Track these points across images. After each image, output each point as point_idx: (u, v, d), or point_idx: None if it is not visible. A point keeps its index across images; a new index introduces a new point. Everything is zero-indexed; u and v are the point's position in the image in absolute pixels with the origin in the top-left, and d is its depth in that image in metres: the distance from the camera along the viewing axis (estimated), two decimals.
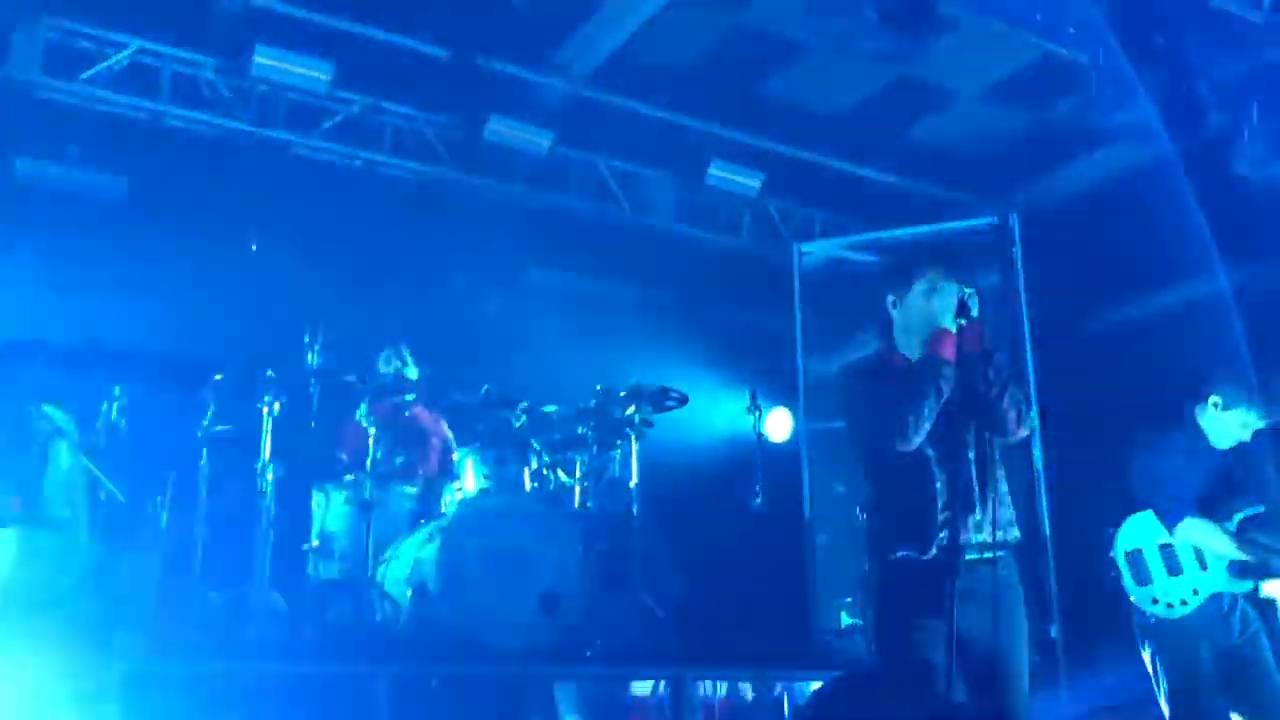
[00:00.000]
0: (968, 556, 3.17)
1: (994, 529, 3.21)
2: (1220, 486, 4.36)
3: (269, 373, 5.38)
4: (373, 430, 5.51)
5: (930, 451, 3.25)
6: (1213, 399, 4.43)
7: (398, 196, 7.18)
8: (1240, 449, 4.45)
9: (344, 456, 5.84)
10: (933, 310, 3.32)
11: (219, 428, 5.33)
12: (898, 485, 3.28)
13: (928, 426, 3.20)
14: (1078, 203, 7.33)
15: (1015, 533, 3.32)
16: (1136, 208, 6.78)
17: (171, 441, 5.41)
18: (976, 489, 3.26)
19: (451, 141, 7.32)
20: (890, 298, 3.46)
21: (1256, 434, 4.43)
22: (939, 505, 3.21)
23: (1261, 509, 4.32)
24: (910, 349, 3.38)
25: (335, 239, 6.72)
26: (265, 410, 5.32)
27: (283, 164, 6.97)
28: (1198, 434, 4.46)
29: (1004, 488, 3.32)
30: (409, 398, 6.10)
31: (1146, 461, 4.41)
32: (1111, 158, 7.08)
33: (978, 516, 3.23)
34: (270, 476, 5.30)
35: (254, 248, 5.94)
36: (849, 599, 7.14)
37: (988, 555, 3.21)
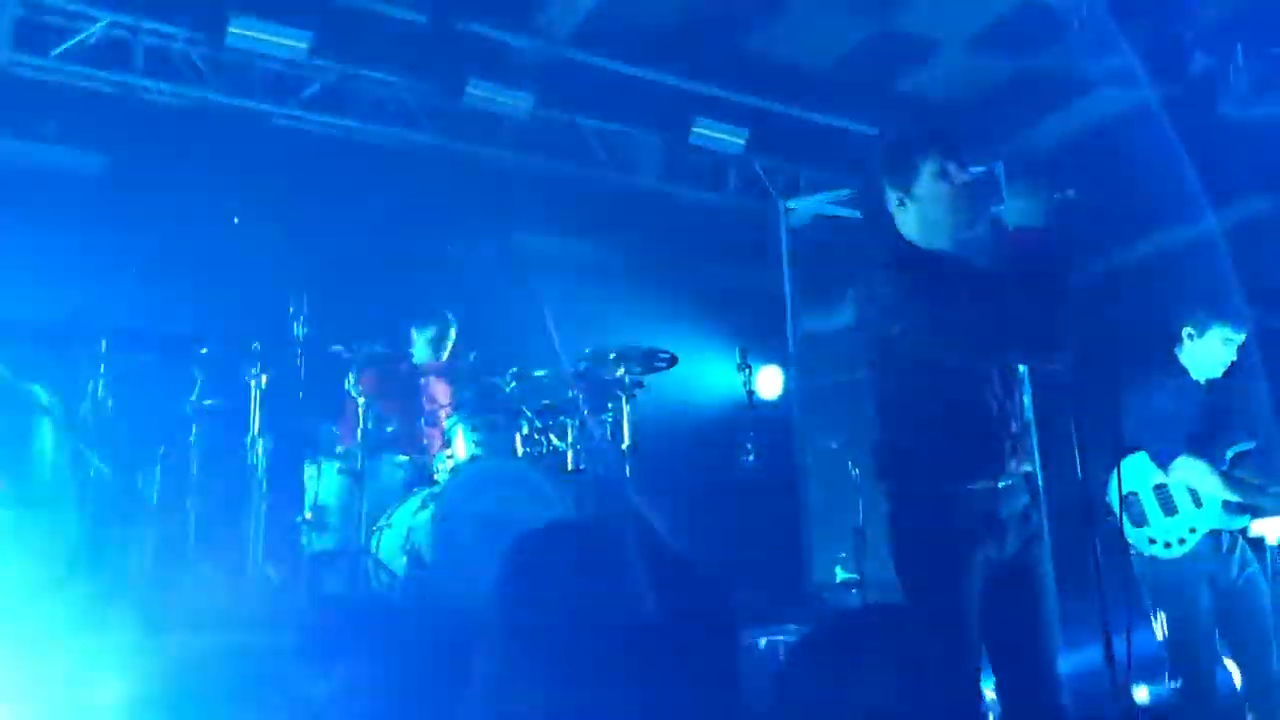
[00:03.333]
0: (1001, 484, 3.00)
1: (1028, 457, 3.06)
2: (1209, 423, 4.38)
3: (255, 345, 5.36)
4: (362, 400, 5.50)
5: (983, 369, 3.00)
6: (1186, 331, 4.44)
7: (379, 164, 7.10)
8: (1224, 384, 4.46)
9: (334, 428, 5.83)
10: (956, 195, 3.02)
11: (207, 402, 5.32)
12: (948, 404, 2.98)
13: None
14: (1063, 151, 7.30)
15: (1031, 465, 3.12)
16: (1122, 154, 6.76)
17: (160, 417, 5.40)
18: (1017, 414, 3.05)
19: (432, 107, 7.25)
20: (893, 196, 3.15)
21: (1240, 350, 4.42)
22: (990, 428, 2.99)
23: (1251, 445, 4.34)
24: (935, 243, 3.09)
25: (317, 209, 6.66)
26: (253, 383, 5.31)
27: (261, 135, 6.89)
28: (1183, 373, 4.47)
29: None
30: (425, 364, 6.14)
31: (1136, 404, 4.41)
32: (1096, 104, 7.05)
33: (1017, 443, 3.02)
34: (260, 449, 5.30)
35: (235, 220, 5.87)
36: (843, 554, 7.19)
37: (1014, 483, 3.04)
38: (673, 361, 6.08)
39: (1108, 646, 2.73)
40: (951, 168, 3.05)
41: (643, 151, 7.83)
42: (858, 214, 8.20)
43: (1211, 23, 5.96)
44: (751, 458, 6.49)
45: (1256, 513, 4.29)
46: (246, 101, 6.81)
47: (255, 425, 5.29)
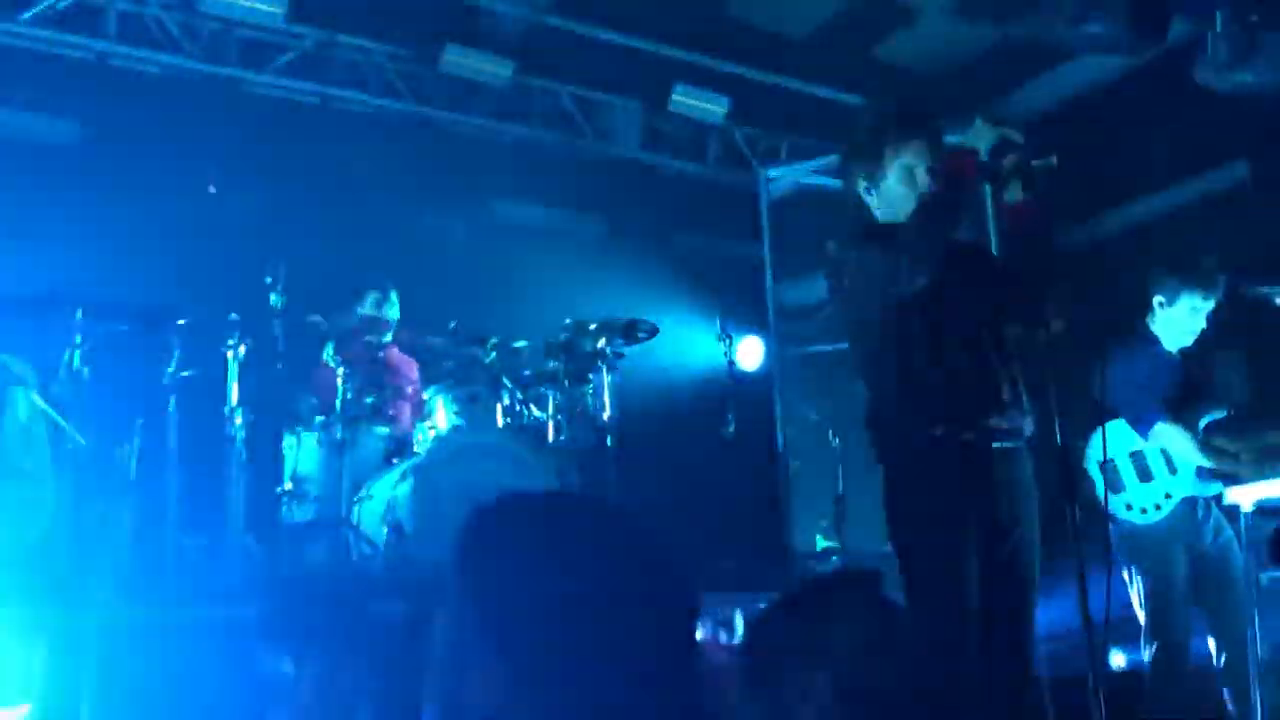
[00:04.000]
0: (996, 444, 3.01)
1: (1022, 418, 3.05)
2: (1182, 391, 4.40)
3: (233, 316, 5.32)
4: (341, 371, 5.48)
5: (969, 330, 3.01)
6: (1156, 300, 4.46)
7: (356, 132, 7.04)
8: (1196, 352, 4.49)
9: (314, 398, 5.80)
10: (918, 189, 2.99)
11: (185, 373, 5.27)
12: (936, 358, 2.99)
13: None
14: (1044, 118, 7.30)
15: (1031, 426, 3.12)
16: (1101, 122, 6.78)
17: (137, 388, 5.35)
18: (1008, 374, 3.05)
19: (410, 74, 7.18)
20: (862, 184, 3.14)
21: (1209, 318, 4.44)
22: (980, 384, 3.00)
23: (1223, 413, 4.37)
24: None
25: (294, 177, 6.61)
26: (231, 354, 5.27)
27: (237, 102, 6.81)
28: (1156, 341, 4.50)
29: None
30: (385, 338, 6.06)
31: (1112, 372, 4.43)
32: (1075, 73, 7.04)
33: (1009, 403, 3.03)
34: (239, 420, 5.27)
35: (211, 189, 5.81)
36: (824, 522, 7.23)
37: (1011, 445, 3.04)
38: (654, 332, 6.07)
39: (1084, 611, 2.75)
40: (920, 171, 3.03)
41: (623, 120, 7.78)
42: (840, 183, 8.18)
43: None
44: (732, 428, 6.49)
45: (1232, 480, 4.33)
46: (222, 68, 6.73)
47: (234, 396, 5.26)
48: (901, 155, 3.06)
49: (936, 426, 2.96)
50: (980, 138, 2.96)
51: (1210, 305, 4.42)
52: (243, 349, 5.27)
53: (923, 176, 3.03)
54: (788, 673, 1.78)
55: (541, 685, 1.30)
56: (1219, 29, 5.71)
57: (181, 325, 5.23)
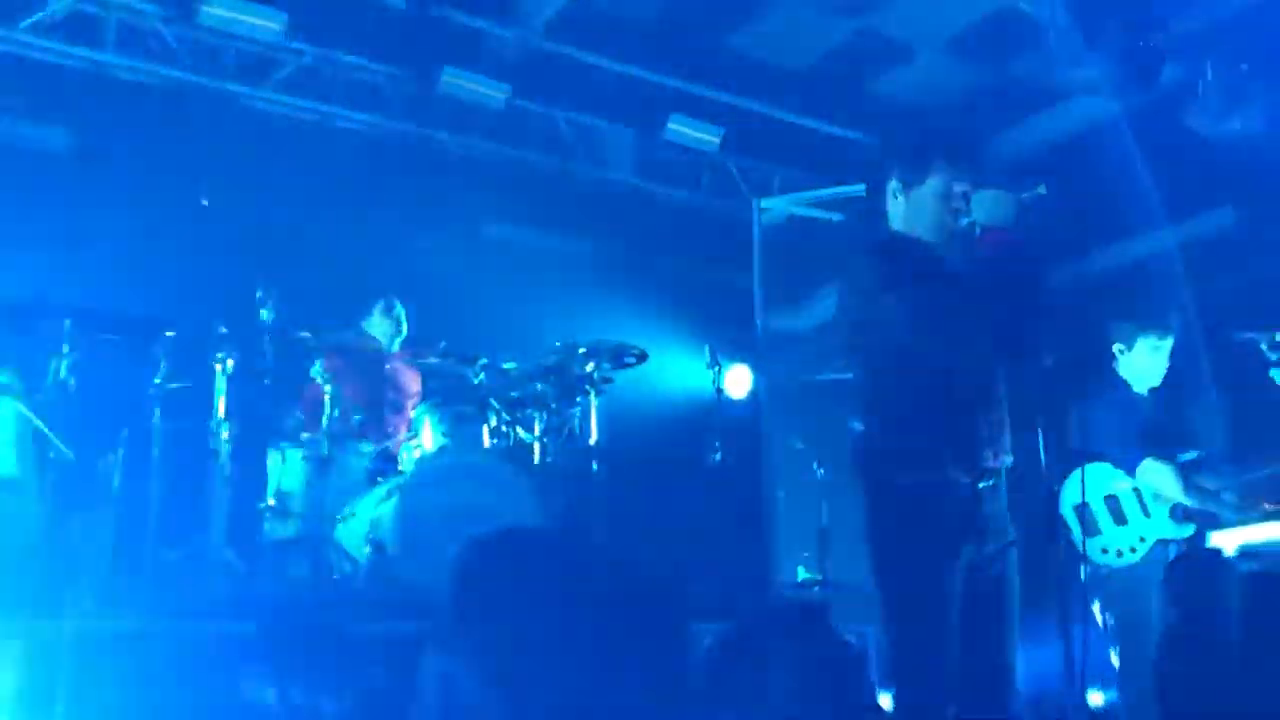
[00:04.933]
0: (981, 485, 2.98)
1: (1005, 453, 3.03)
2: (1154, 431, 4.45)
3: (221, 329, 5.30)
4: (329, 388, 5.46)
5: (961, 363, 2.98)
6: (1116, 347, 4.53)
7: (351, 150, 7.05)
8: (1166, 393, 4.54)
9: (300, 414, 5.79)
10: (950, 213, 3.03)
11: (172, 385, 5.24)
12: (927, 395, 2.96)
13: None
14: (1035, 158, 7.36)
15: (1010, 460, 3.09)
16: (1092, 164, 6.83)
17: (123, 399, 5.32)
18: (995, 410, 3.03)
19: (406, 94, 7.20)
20: (894, 185, 3.15)
21: (1171, 355, 4.50)
22: (968, 422, 2.97)
23: (1195, 454, 4.42)
24: (919, 235, 3.09)
25: (288, 193, 6.60)
26: (218, 367, 5.25)
27: (233, 116, 6.81)
28: (1125, 385, 4.56)
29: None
30: (393, 348, 6.07)
31: (1086, 416, 4.49)
32: (1068, 114, 7.11)
33: (995, 439, 3.01)
34: (225, 435, 5.25)
35: (205, 202, 5.81)
36: (806, 554, 7.23)
37: (995, 484, 3.03)
38: (642, 358, 6.07)
39: (1067, 653, 2.76)
40: (956, 190, 3.06)
41: (617, 146, 7.82)
42: (831, 216, 8.23)
43: (1184, 36, 6.03)
44: (718, 456, 6.49)
45: (1211, 522, 4.36)
46: (219, 82, 6.74)
47: (220, 410, 5.23)
48: (942, 174, 3.07)
49: (931, 467, 2.94)
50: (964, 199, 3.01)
51: (1168, 344, 4.52)
52: (230, 363, 5.24)
53: (959, 202, 3.04)
54: (728, 714, 1.78)
55: (520, 706, 1.30)
56: (1210, 76, 5.79)
57: (169, 337, 5.21)
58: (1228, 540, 4.35)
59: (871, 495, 3.03)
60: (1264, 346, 4.43)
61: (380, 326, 6.35)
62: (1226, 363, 4.76)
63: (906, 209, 3.13)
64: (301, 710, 2.23)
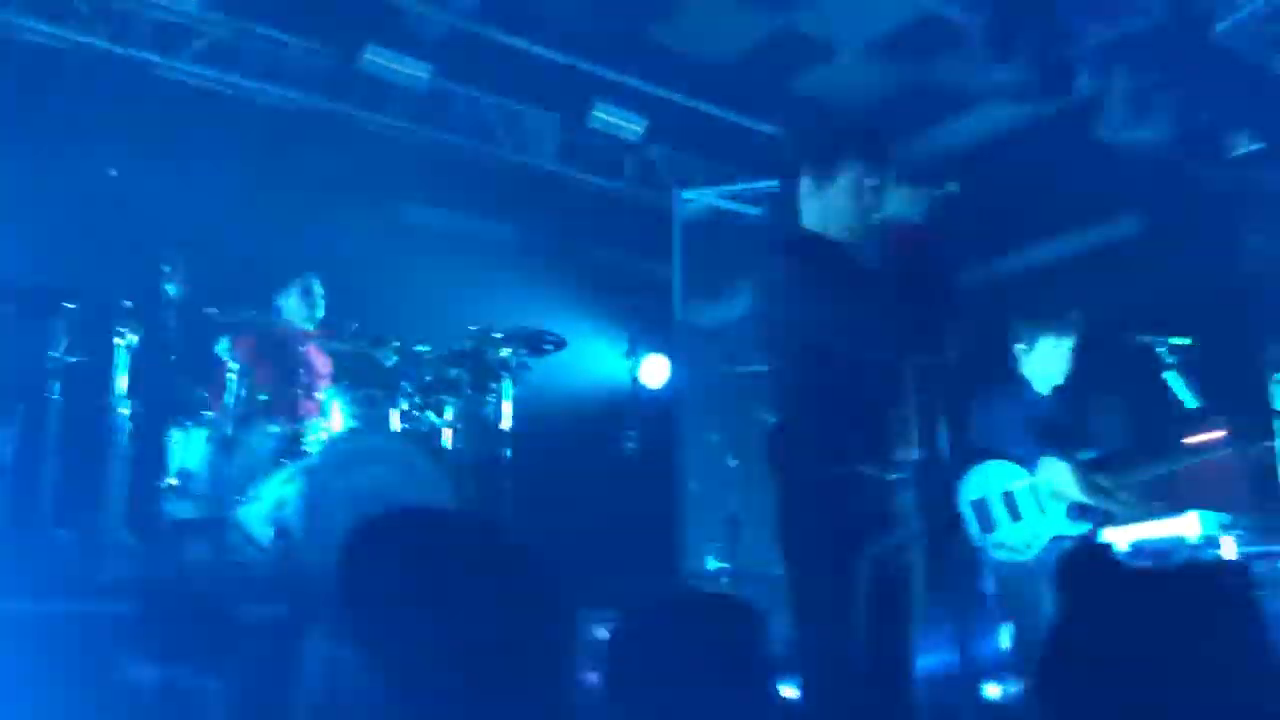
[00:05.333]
0: (890, 477, 3.02)
1: (914, 448, 3.07)
2: (1055, 429, 4.56)
3: (125, 303, 5.18)
4: (235, 366, 5.36)
5: (872, 359, 3.01)
6: (1019, 346, 4.63)
7: (267, 126, 6.91)
8: (1067, 394, 4.65)
9: (204, 393, 5.67)
10: (863, 208, 3.06)
11: (71, 359, 5.11)
12: (838, 390, 2.99)
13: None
14: (950, 161, 7.48)
15: (917, 454, 3.12)
16: (1006, 168, 6.97)
17: (20, 372, 5.17)
18: (905, 406, 3.07)
19: (326, 70, 7.07)
20: (807, 182, 3.16)
21: (1073, 356, 4.61)
22: (879, 417, 3.00)
23: (1095, 454, 4.53)
24: (834, 234, 3.12)
25: (200, 167, 6.45)
26: (120, 342, 5.13)
27: (145, 86, 6.63)
28: (1027, 383, 4.66)
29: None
30: (309, 328, 6.02)
31: (987, 415, 4.58)
32: (983, 119, 7.24)
33: (904, 433, 3.05)
34: (125, 411, 5.13)
35: (112, 172, 5.65)
36: (716, 543, 7.28)
37: (904, 478, 3.06)
38: (560, 345, 6.06)
39: (962, 646, 2.82)
40: (867, 184, 3.08)
41: (540, 131, 7.78)
42: (751, 210, 8.29)
43: (1096, 47, 6.17)
44: (633, 445, 6.51)
45: (1107, 519, 4.48)
46: (132, 50, 6.56)
47: (121, 386, 5.11)
48: (858, 166, 3.08)
49: (841, 461, 2.97)
50: (879, 192, 3.05)
51: (1069, 343, 4.61)
52: (133, 338, 5.12)
53: (871, 197, 3.07)
54: (619, 704, 1.78)
55: (413, 700, 1.29)
56: (1118, 87, 5.93)
57: (70, 309, 5.07)
58: (1121, 537, 4.47)
59: (783, 487, 3.06)
60: (1161, 350, 4.57)
61: (296, 306, 6.25)
62: (1126, 365, 4.88)
63: (819, 205, 3.15)
64: (185, 693, 2.19)
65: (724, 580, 6.82)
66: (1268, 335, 6.13)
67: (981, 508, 4.50)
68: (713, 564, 7.24)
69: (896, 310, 3.00)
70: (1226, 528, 4.36)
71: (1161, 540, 4.47)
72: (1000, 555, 4.47)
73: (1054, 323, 4.58)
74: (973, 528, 4.50)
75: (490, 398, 5.89)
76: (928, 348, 3.07)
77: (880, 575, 3.00)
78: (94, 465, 5.11)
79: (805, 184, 3.18)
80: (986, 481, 4.54)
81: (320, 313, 6.20)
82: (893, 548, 3.04)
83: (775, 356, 3.14)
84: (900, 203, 3.04)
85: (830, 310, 2.98)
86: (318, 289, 6.17)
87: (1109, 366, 4.82)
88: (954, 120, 7.32)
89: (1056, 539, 4.45)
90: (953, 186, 3.03)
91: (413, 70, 6.92)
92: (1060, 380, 4.65)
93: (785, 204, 3.28)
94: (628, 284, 8.12)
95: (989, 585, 4.53)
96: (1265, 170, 6.61)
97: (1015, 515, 4.48)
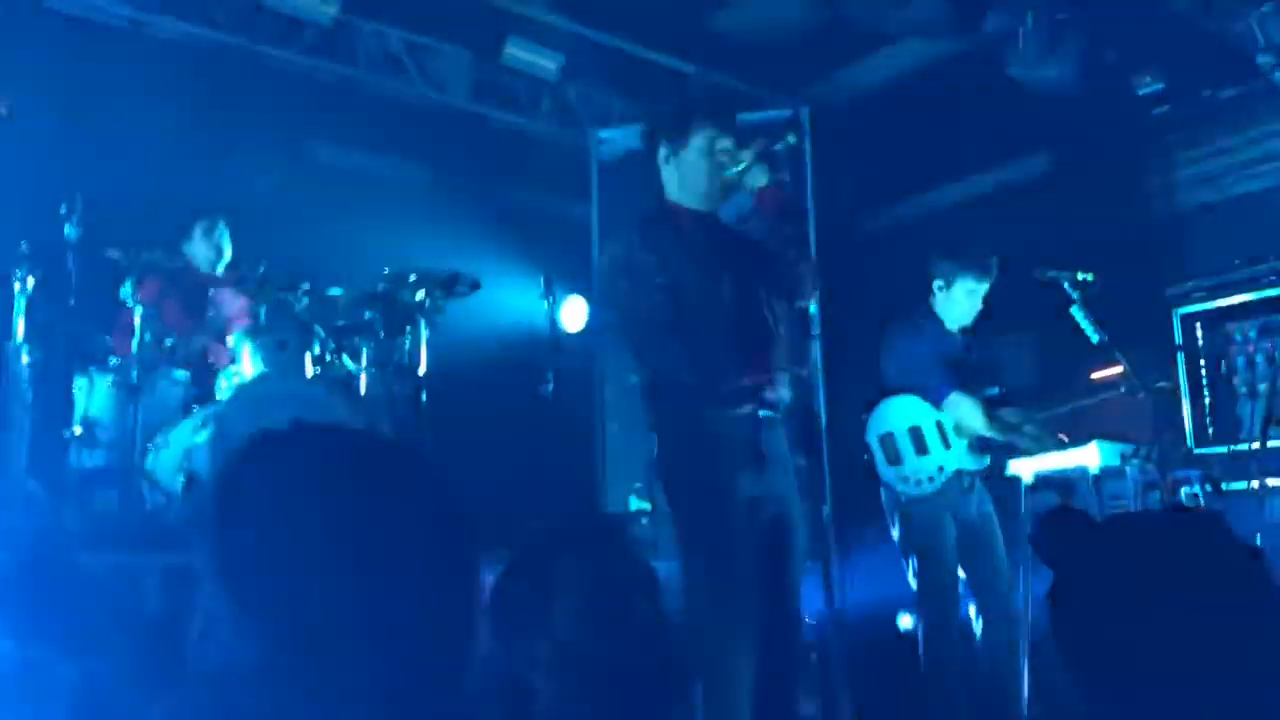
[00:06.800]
0: (762, 414, 3.20)
1: (785, 389, 3.25)
2: (963, 367, 4.67)
3: (21, 246, 4.99)
4: (140, 310, 5.22)
5: (738, 306, 3.20)
6: (936, 283, 4.72)
7: (168, 61, 6.65)
8: (975, 333, 4.77)
9: (108, 338, 5.52)
10: (717, 167, 3.24)
11: None
12: (707, 338, 3.17)
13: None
14: (865, 99, 7.51)
15: (789, 396, 3.31)
16: (919, 106, 7.01)
17: None
18: (771, 347, 3.26)
19: (230, 4, 6.82)
20: (664, 151, 3.33)
21: (986, 300, 4.72)
22: (747, 359, 3.18)
23: (996, 391, 4.65)
24: (690, 202, 3.31)
25: (99, 104, 6.23)
26: (18, 286, 4.95)
27: (38, 18, 6.34)
28: (939, 321, 4.75)
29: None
30: (217, 271, 5.91)
31: (898, 347, 4.66)
32: (898, 56, 7.25)
33: (774, 375, 3.23)
34: (25, 359, 4.96)
35: (3, 110, 5.41)
36: (638, 484, 7.32)
37: (773, 415, 3.24)
38: (475, 287, 5.99)
39: (825, 578, 2.93)
40: (720, 145, 3.25)
41: (453, 68, 7.60)
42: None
43: None
44: (551, 387, 6.48)
45: (1010, 452, 4.60)
46: None
47: (19, 332, 4.94)
48: (708, 130, 3.24)
49: (712, 401, 3.11)
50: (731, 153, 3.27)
51: (984, 288, 4.72)
52: (31, 281, 4.94)
53: (724, 157, 3.24)
54: (515, 640, 1.76)
55: (286, 643, 1.19)
56: (1029, 25, 5.99)
57: None
58: (1025, 468, 4.58)
59: (657, 431, 3.22)
60: (1066, 285, 4.66)
61: (201, 248, 6.09)
62: (1034, 300, 4.97)
63: (677, 173, 3.30)
64: (78, 644, 2.11)
65: (644, 521, 6.86)
66: (1170, 271, 6.30)
67: (888, 441, 4.59)
68: (635, 504, 7.28)
69: (762, 266, 3.22)
70: (1127, 457, 4.48)
71: (1063, 470, 4.58)
72: (903, 489, 4.57)
73: (974, 266, 4.66)
74: (879, 461, 4.59)
75: (405, 341, 5.82)
76: (792, 295, 3.33)
77: (760, 512, 3.15)
78: None
79: (662, 154, 3.32)
80: (894, 416, 4.62)
81: (228, 255, 6.08)
82: (769, 484, 3.18)
83: (628, 324, 3.34)
84: (757, 171, 3.25)
85: (684, 281, 3.16)
86: (221, 230, 6.03)
87: (1018, 302, 4.91)
88: (872, 57, 7.32)
89: (959, 472, 4.56)
90: (790, 139, 3.29)
91: (320, 4, 6.71)
92: (969, 321, 4.75)
93: (648, 181, 3.40)
94: (545, 225, 8.04)
95: (891, 520, 4.63)
96: (1170, 108, 6.75)
97: (921, 449, 4.57)
